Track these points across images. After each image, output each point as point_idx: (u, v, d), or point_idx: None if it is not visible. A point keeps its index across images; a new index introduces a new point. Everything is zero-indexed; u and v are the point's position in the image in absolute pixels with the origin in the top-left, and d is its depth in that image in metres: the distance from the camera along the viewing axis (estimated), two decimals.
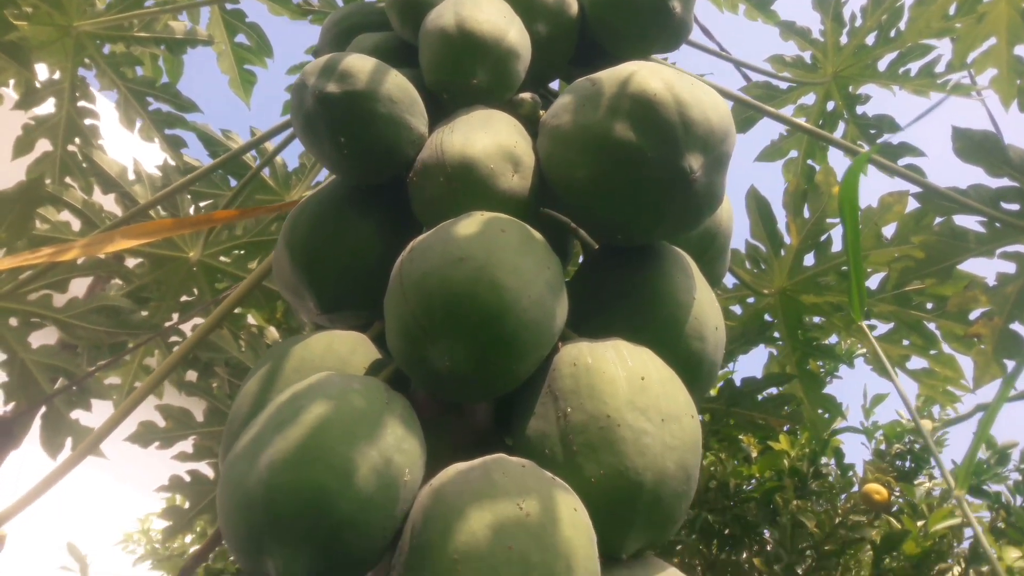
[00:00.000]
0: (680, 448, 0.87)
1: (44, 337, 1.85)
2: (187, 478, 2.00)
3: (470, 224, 0.91)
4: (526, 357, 0.88)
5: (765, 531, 2.10)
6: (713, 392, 1.98)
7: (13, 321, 1.79)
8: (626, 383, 0.88)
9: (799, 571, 2.00)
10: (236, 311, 2.02)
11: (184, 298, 2.01)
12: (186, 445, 2.04)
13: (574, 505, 0.80)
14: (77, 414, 1.85)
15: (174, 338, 2.04)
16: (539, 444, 0.88)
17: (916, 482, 2.38)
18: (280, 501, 0.74)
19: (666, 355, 0.96)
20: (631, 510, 0.85)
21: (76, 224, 1.91)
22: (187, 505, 1.98)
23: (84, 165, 2.19)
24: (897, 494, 2.36)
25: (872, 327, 1.89)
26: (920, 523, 2.13)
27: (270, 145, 2.07)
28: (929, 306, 1.79)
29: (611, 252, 1.14)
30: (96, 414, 1.95)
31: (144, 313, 1.87)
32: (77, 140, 2.27)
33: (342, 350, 1.00)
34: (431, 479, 0.83)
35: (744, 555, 2.11)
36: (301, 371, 0.96)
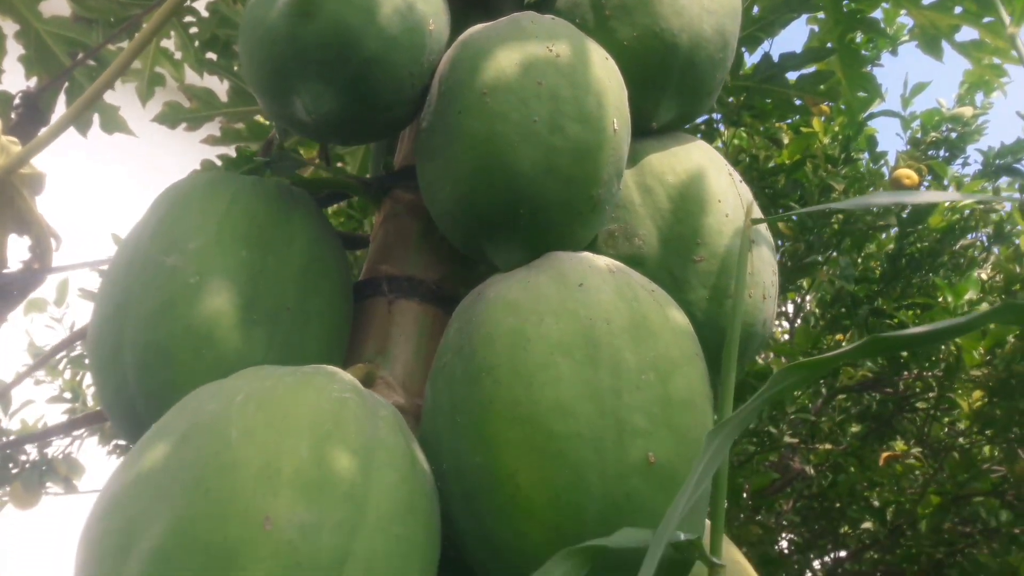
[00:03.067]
0: (719, 13, 0.83)
1: (55, 9, 1.79)
2: (218, 163, 2.02)
3: None
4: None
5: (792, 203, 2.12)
6: (748, 70, 1.91)
7: None
8: None
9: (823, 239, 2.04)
10: None
11: None
12: (213, 128, 2.03)
13: (605, 55, 0.77)
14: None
15: (188, 18, 1.97)
16: (569, 14, 0.84)
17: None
18: (304, 34, 0.71)
19: None
20: (665, 74, 0.82)
21: None
22: None
23: None
24: (927, 183, 2.35)
25: None
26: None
27: None
28: None
29: None
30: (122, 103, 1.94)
31: None
32: None
33: None
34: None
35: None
36: None
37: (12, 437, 2.57)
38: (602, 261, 0.78)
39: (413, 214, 0.98)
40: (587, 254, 0.80)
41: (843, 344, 2.87)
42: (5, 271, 1.52)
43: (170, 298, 0.78)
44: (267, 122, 1.98)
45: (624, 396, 0.68)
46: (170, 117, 1.98)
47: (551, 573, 0.56)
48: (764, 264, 0.92)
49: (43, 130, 1.50)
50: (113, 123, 2.06)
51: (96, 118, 1.87)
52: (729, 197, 0.90)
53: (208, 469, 0.59)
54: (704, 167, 0.91)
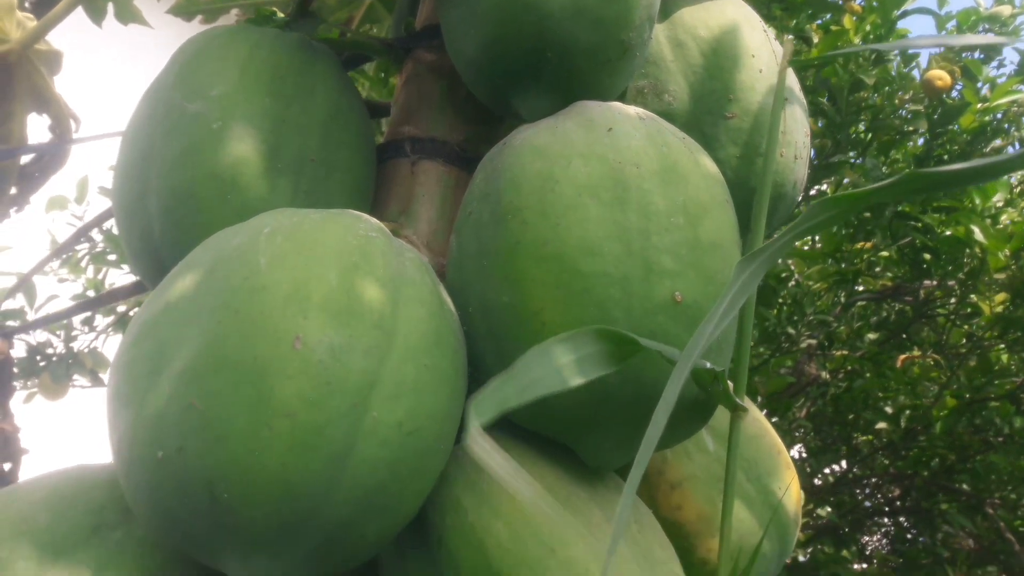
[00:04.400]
0: None
1: None
2: None
3: None
4: None
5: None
6: None
7: None
8: None
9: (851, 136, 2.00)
10: None
11: None
12: (229, 20, 1.99)
13: None
14: None
15: None
16: None
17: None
18: None
19: None
20: None
21: None
22: None
23: None
24: (960, 85, 2.28)
25: None
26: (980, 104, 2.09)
27: None
28: None
29: None
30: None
31: None
32: None
33: None
34: None
35: None
36: None
37: (37, 331, 2.62)
38: (632, 109, 0.77)
39: (436, 74, 0.96)
40: (616, 103, 0.78)
41: (865, 253, 2.85)
42: (25, 155, 1.52)
43: (194, 143, 0.77)
44: (282, 14, 1.94)
45: (652, 237, 0.67)
46: (185, 8, 1.94)
47: (578, 347, 0.55)
48: (797, 124, 0.90)
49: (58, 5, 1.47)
50: (127, 13, 2.02)
51: (111, 8, 1.83)
52: (763, 53, 0.88)
53: (237, 293, 0.60)
54: (738, 22, 0.88)
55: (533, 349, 0.55)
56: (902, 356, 2.62)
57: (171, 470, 0.57)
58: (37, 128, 1.52)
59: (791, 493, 0.88)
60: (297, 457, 0.56)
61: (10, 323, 2.49)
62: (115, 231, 2.73)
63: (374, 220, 0.72)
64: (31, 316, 2.51)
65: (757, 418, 0.90)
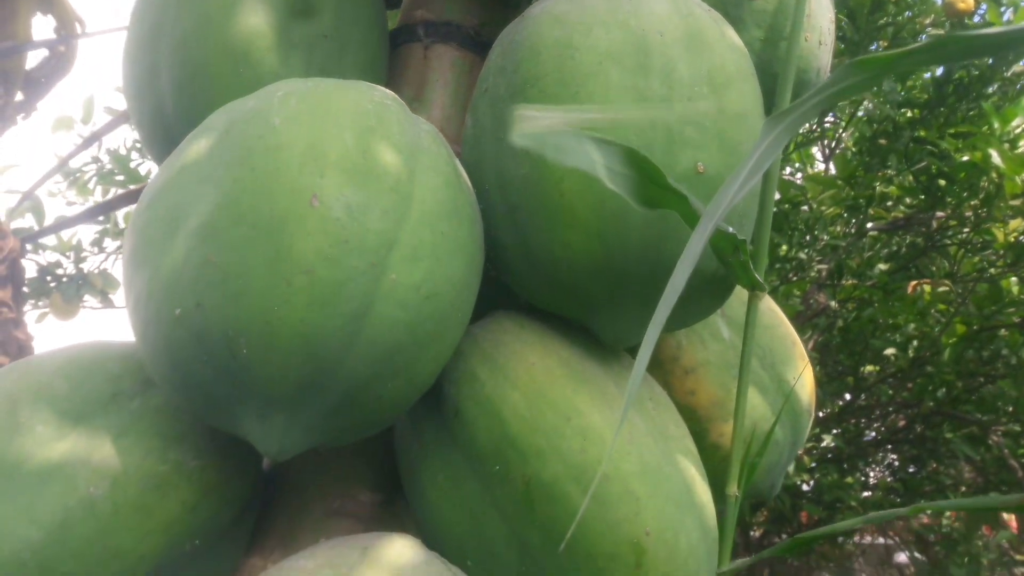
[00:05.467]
0: None
1: None
2: None
3: None
4: None
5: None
6: None
7: None
8: None
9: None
10: None
11: None
12: None
13: None
14: None
15: None
16: None
17: None
18: None
19: None
20: None
21: None
22: None
23: None
24: (983, 10, 2.22)
25: None
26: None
27: None
28: None
29: None
30: None
31: None
32: None
33: None
34: None
35: None
36: None
37: (47, 251, 2.62)
38: None
39: None
40: None
41: (878, 182, 2.81)
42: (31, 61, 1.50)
43: (206, 16, 0.76)
44: None
45: (676, 106, 0.66)
46: None
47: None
48: (822, 9, 0.87)
49: None
50: None
51: None
52: None
53: (253, 151, 0.59)
54: None
55: (567, 132, 0.54)
56: (913, 283, 2.61)
57: (189, 326, 0.57)
58: (42, 30, 1.49)
59: (805, 383, 0.88)
60: (316, 313, 0.56)
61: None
62: (122, 151, 2.71)
63: (389, 91, 0.70)
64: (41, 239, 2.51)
65: (773, 309, 0.90)
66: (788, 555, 0.73)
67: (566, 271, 0.68)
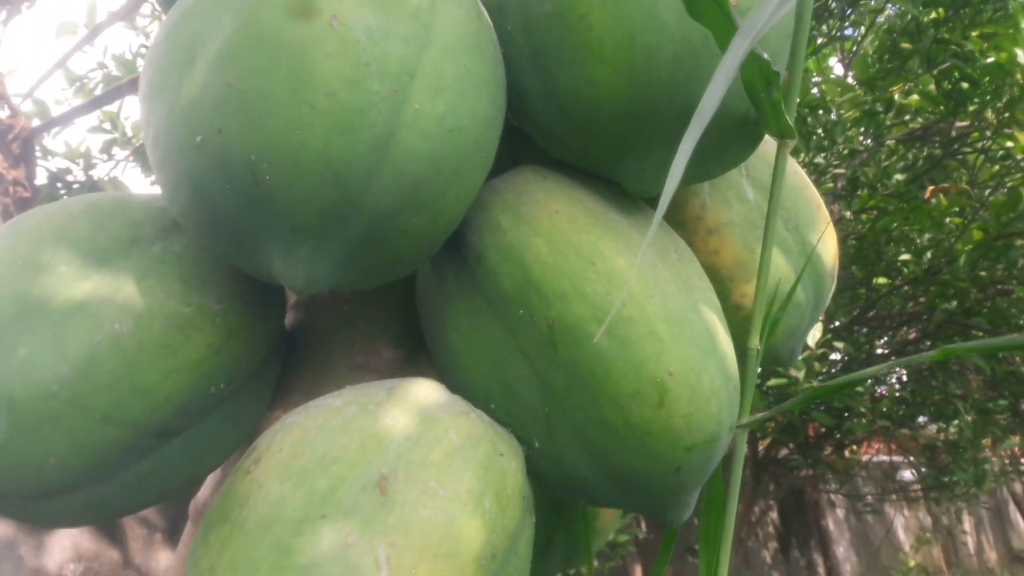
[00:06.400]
0: None
1: None
2: None
3: None
4: None
5: None
6: None
7: None
8: None
9: None
10: None
11: None
12: None
13: None
14: None
15: None
16: None
17: None
18: None
19: None
20: None
21: None
22: None
23: None
24: None
25: None
26: None
27: None
28: None
29: None
30: None
31: None
32: None
33: None
34: None
35: None
36: None
37: (56, 158, 2.61)
38: None
39: None
40: None
41: (898, 96, 2.76)
42: None
43: None
44: None
45: None
46: None
47: None
48: None
49: None
50: None
51: None
52: None
53: None
54: None
55: None
56: (931, 187, 2.57)
57: (211, 153, 0.56)
58: None
59: (828, 246, 0.87)
60: (339, 137, 0.55)
61: None
62: (127, 55, 2.67)
63: None
64: (47, 140, 2.49)
65: (798, 171, 0.88)
66: (820, 400, 0.73)
67: (592, 112, 0.66)
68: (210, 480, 0.83)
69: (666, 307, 0.65)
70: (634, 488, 0.67)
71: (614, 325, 0.63)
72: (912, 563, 6.10)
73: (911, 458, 4.18)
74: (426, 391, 0.66)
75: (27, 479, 0.61)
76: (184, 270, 0.67)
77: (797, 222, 0.84)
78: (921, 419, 3.71)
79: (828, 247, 0.87)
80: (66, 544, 2.89)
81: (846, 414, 2.90)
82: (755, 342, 0.75)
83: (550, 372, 0.65)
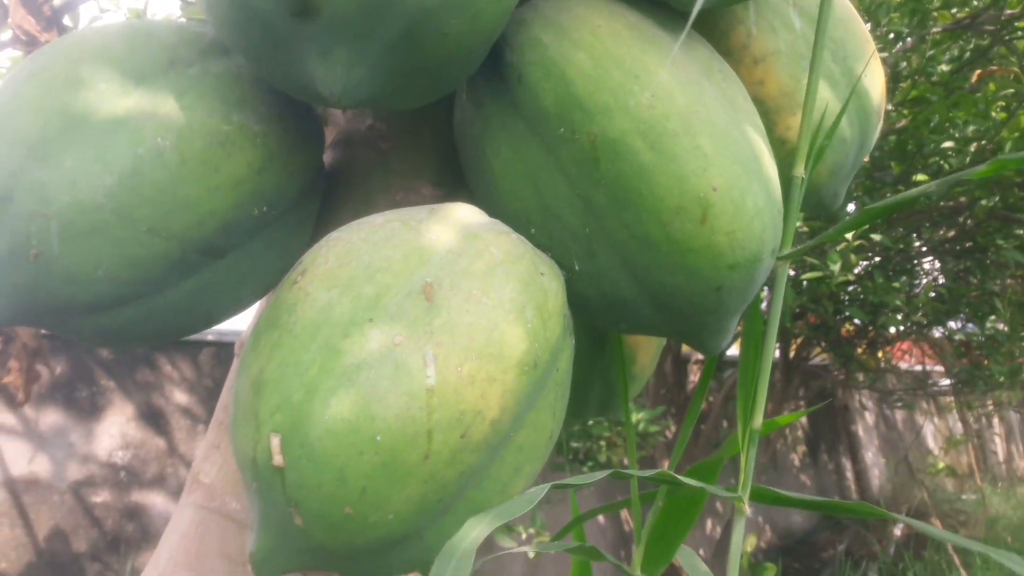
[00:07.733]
0: None
1: None
2: None
3: None
4: None
5: None
6: None
7: None
8: None
9: None
10: None
11: None
12: None
13: None
14: None
15: None
16: None
17: None
18: None
19: None
20: None
21: None
22: None
23: None
24: None
25: None
26: None
27: None
28: None
29: None
30: None
31: None
32: None
33: None
34: None
35: None
36: None
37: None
38: None
39: None
40: None
41: None
42: None
43: None
44: None
45: None
46: None
47: None
48: None
49: None
50: None
51: None
52: None
53: None
54: None
55: None
56: (978, 71, 2.48)
57: None
58: None
59: (875, 82, 0.84)
60: None
61: None
62: None
63: None
64: None
65: (845, 3, 0.85)
66: (871, 221, 0.71)
67: None
68: (254, 323, 0.84)
69: (711, 122, 0.64)
70: (675, 308, 0.67)
71: (658, 138, 0.62)
72: (941, 464, 6.14)
73: (943, 362, 4.17)
74: (467, 212, 0.66)
75: (77, 291, 0.62)
76: (223, 91, 0.66)
77: (844, 54, 0.81)
78: (953, 324, 3.68)
79: (875, 82, 0.84)
80: (114, 432, 3.00)
81: (882, 307, 2.88)
82: (800, 170, 0.73)
83: (591, 190, 0.64)
